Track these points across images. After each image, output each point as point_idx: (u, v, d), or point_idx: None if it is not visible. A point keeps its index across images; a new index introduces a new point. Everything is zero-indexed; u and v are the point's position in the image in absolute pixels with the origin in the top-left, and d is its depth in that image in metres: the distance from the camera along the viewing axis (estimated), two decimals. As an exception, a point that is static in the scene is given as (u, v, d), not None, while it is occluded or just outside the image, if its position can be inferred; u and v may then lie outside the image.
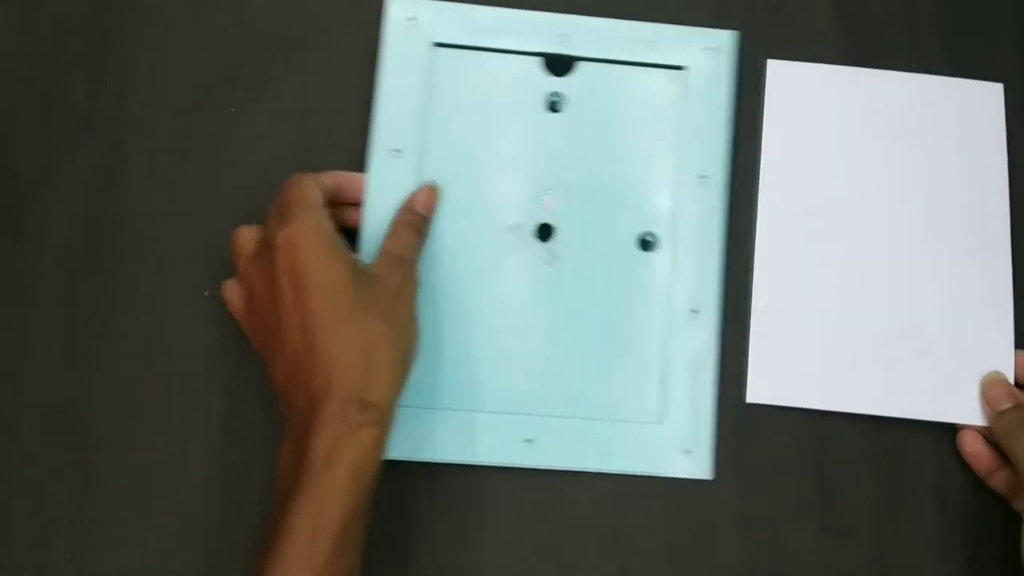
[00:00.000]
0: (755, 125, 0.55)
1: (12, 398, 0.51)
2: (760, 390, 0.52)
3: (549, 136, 0.54)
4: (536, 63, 0.54)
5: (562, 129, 0.54)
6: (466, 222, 0.52)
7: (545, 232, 0.53)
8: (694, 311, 0.52)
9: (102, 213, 0.53)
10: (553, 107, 0.54)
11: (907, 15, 0.57)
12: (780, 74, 0.56)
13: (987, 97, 0.56)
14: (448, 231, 0.52)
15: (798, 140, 0.55)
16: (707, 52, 0.54)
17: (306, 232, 0.44)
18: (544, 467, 0.50)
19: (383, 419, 0.43)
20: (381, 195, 0.51)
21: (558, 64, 0.54)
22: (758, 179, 0.54)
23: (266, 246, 0.45)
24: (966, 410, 0.52)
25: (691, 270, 0.52)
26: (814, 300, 0.53)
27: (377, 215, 0.51)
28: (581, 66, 0.54)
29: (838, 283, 0.53)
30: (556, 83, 0.54)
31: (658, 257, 0.53)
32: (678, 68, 0.54)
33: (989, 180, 0.55)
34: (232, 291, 0.48)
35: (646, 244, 0.53)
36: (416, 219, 0.50)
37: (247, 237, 0.48)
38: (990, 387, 0.51)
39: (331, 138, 0.53)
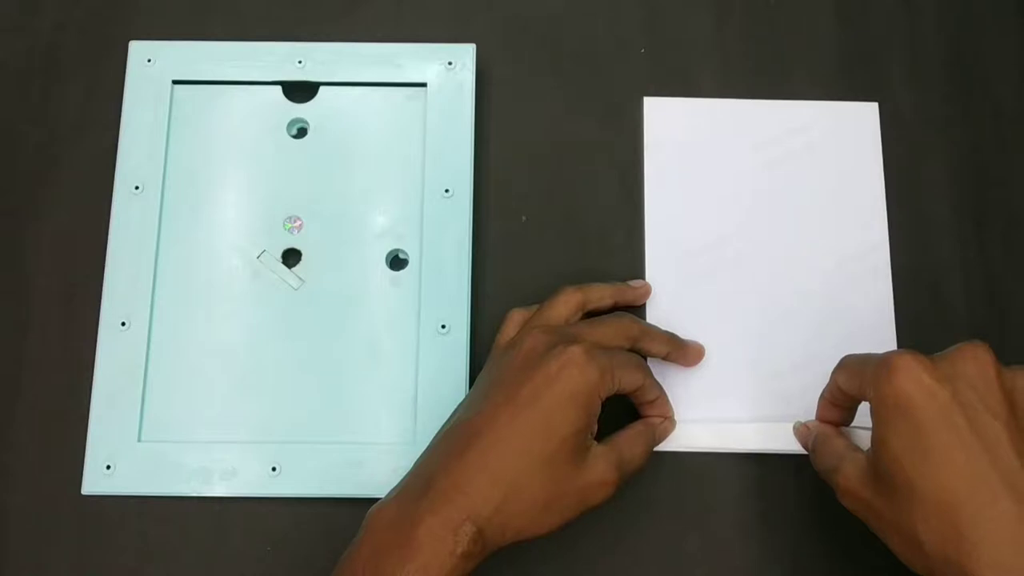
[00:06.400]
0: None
1: (12, 398, 0.51)
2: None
3: (294, 163, 0.54)
4: (277, 92, 0.55)
5: (307, 155, 0.54)
6: (206, 252, 0.52)
7: (291, 257, 0.53)
8: (443, 327, 0.51)
9: (102, 213, 0.53)
10: (299, 134, 0.54)
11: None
12: (656, 111, 0.55)
13: (862, 117, 0.55)
14: (188, 262, 0.52)
15: (680, 177, 0.54)
16: (447, 67, 0.54)
17: (586, 373, 0.43)
18: (290, 495, 0.49)
19: (480, 558, 0.41)
20: (122, 232, 0.52)
21: (300, 91, 0.55)
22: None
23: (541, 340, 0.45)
24: None
25: (439, 285, 0.51)
26: (709, 340, 0.52)
27: (119, 252, 0.52)
28: (324, 91, 0.55)
29: (731, 320, 0.52)
30: (299, 110, 0.54)
31: (408, 275, 0.52)
32: (420, 85, 0.54)
33: (868, 203, 0.54)
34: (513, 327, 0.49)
35: (396, 263, 0.53)
36: (655, 431, 0.48)
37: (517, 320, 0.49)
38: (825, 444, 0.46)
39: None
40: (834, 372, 0.45)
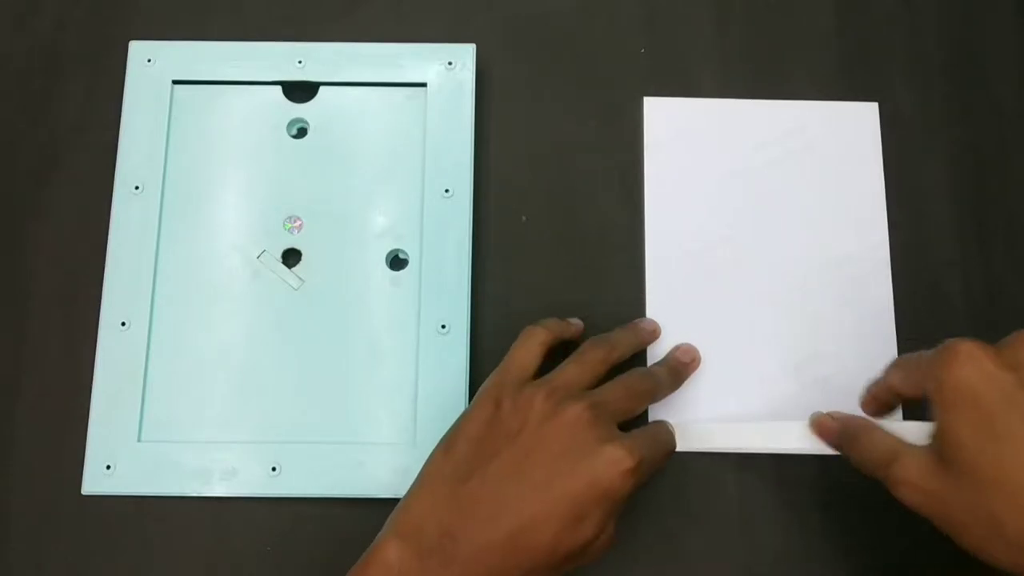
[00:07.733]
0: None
1: (12, 398, 0.51)
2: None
3: (294, 163, 0.54)
4: (277, 92, 0.55)
5: (307, 155, 0.54)
6: (206, 252, 0.52)
7: (291, 257, 0.53)
8: (443, 327, 0.51)
9: (102, 213, 0.53)
10: (299, 134, 0.54)
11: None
12: (656, 111, 0.55)
13: (862, 117, 0.55)
14: (188, 262, 0.52)
15: (680, 177, 0.54)
16: (447, 67, 0.54)
17: (627, 485, 0.42)
18: (290, 495, 0.49)
19: None
20: (122, 232, 0.52)
21: (300, 91, 0.55)
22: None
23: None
24: None
25: (439, 285, 0.51)
26: (709, 340, 0.52)
27: (119, 252, 0.52)
28: (324, 91, 0.55)
29: (731, 320, 0.52)
30: (299, 110, 0.54)
31: (408, 275, 0.52)
32: (420, 85, 0.54)
33: (868, 203, 0.54)
34: (534, 343, 0.47)
35: (396, 263, 0.53)
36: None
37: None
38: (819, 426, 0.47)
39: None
40: (887, 372, 0.45)
